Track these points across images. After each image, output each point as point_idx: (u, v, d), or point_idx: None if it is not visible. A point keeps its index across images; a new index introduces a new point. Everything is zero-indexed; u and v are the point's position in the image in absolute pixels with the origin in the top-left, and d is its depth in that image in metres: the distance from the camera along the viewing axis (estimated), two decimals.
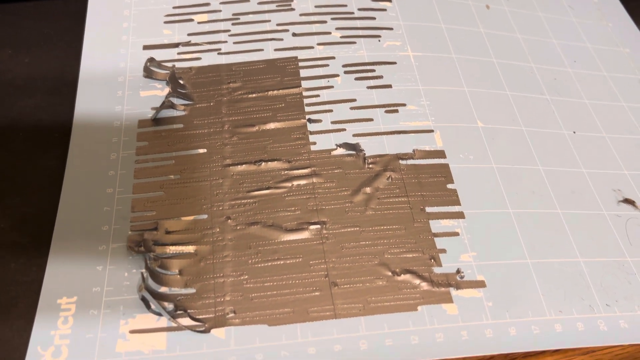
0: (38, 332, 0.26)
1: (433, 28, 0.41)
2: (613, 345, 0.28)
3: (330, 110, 0.35)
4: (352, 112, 0.35)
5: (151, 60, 0.36)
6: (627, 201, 0.34)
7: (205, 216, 0.31)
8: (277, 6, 0.40)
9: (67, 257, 0.29)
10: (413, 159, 0.33)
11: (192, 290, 0.28)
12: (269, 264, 0.29)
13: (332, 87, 0.36)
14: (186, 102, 0.35)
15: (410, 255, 0.30)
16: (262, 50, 0.38)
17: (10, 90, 0.35)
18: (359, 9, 0.41)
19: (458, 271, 0.29)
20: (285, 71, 0.37)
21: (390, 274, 0.29)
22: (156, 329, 0.27)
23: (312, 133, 0.34)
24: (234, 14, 0.40)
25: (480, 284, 0.29)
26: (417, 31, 0.40)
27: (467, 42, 0.40)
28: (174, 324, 0.27)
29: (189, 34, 0.38)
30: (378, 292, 0.29)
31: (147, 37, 0.38)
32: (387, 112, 0.35)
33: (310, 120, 0.35)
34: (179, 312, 0.27)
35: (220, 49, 0.38)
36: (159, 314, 0.27)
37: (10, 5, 0.40)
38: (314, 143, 0.34)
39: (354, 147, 0.34)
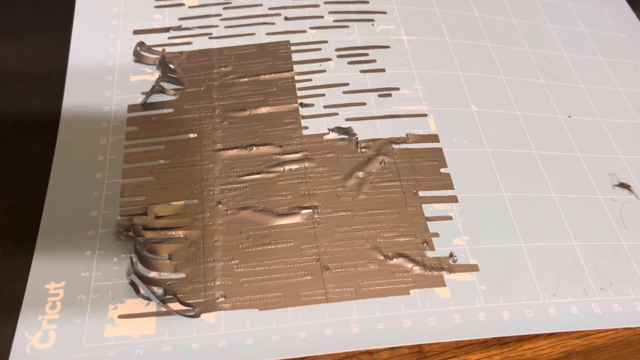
0: (26, 317, 0.26)
1: (427, 12, 0.40)
2: (607, 329, 0.28)
3: (323, 95, 0.35)
4: (345, 96, 0.35)
5: (141, 44, 0.36)
6: (623, 185, 0.34)
7: (195, 201, 0.30)
8: None
9: (55, 243, 0.28)
10: (406, 143, 0.33)
11: (181, 275, 0.28)
12: (260, 248, 0.29)
13: (324, 71, 0.36)
14: (176, 86, 0.34)
15: (403, 239, 0.30)
16: (253, 34, 0.37)
17: None
18: None
19: (451, 255, 0.29)
20: (277, 55, 0.36)
21: (382, 257, 0.29)
22: (145, 313, 0.27)
23: (304, 117, 0.34)
24: None
25: (473, 268, 0.29)
26: (411, 15, 0.40)
27: (461, 26, 0.40)
28: (163, 309, 0.27)
29: (180, 19, 0.38)
30: (370, 276, 0.28)
31: (137, 22, 0.37)
32: (380, 96, 0.35)
33: (302, 105, 0.34)
34: (168, 296, 0.27)
35: (211, 33, 0.37)
36: (148, 299, 0.27)
37: None
38: (306, 127, 0.33)
39: (347, 131, 0.33)
